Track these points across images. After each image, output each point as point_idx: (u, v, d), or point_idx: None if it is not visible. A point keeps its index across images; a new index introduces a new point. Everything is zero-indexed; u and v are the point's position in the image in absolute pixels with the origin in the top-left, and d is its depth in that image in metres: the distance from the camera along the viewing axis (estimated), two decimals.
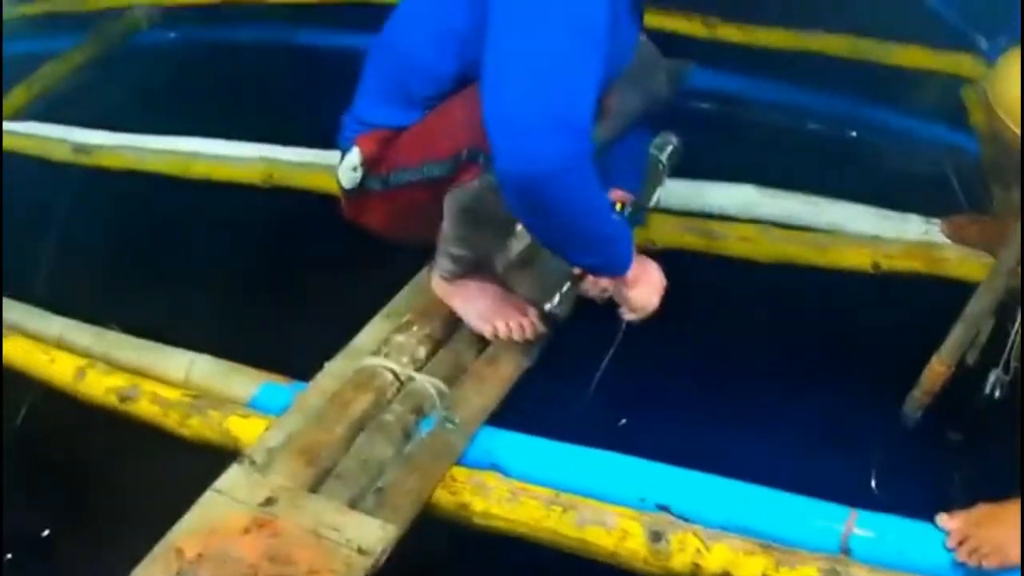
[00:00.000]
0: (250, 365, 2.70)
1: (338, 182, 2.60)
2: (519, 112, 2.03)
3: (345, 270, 3.21)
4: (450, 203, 2.42)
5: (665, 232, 3.17)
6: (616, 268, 2.38)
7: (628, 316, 2.53)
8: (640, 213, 2.98)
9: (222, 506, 2.06)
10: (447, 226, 2.49)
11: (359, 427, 2.34)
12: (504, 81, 2.07)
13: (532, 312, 2.66)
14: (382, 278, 2.92)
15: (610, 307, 2.62)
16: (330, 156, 2.76)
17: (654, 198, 3.11)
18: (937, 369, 2.67)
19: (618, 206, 2.75)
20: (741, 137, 4.03)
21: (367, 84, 2.59)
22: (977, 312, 2.61)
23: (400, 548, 2.11)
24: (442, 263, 2.61)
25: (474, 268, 2.63)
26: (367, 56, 2.61)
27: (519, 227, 2.64)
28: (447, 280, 2.64)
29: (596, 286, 2.70)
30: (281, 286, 3.31)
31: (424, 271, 2.81)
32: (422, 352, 2.59)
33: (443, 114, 2.42)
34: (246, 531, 1.98)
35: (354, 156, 2.51)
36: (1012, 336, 2.65)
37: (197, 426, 2.51)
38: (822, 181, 3.49)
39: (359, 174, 2.52)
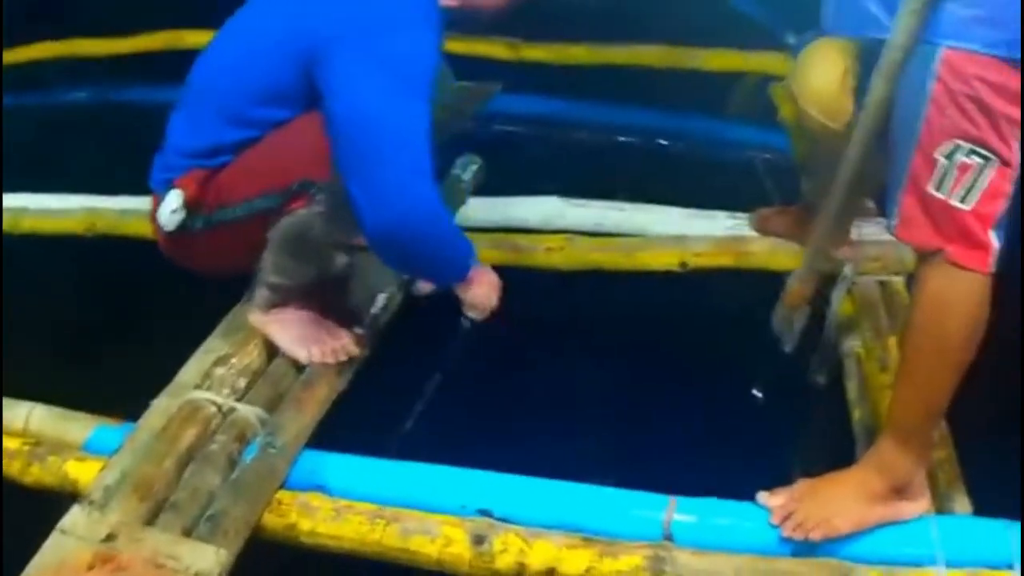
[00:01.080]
0: (85, 410, 2.76)
1: (156, 225, 2.67)
2: (377, 177, 2.36)
3: (169, 310, 3.31)
4: (276, 234, 2.58)
5: None
6: (461, 277, 2.67)
7: (472, 314, 2.78)
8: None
9: (67, 545, 2.14)
10: (269, 256, 2.63)
11: (188, 459, 2.43)
12: (354, 150, 2.38)
13: (345, 335, 2.80)
14: (204, 314, 2.99)
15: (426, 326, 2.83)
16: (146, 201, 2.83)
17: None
18: (794, 288, 2.82)
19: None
20: (548, 155, 4.20)
21: (179, 121, 2.70)
22: (818, 235, 2.72)
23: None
24: (260, 294, 2.74)
25: (290, 296, 2.75)
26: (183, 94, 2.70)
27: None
28: (263, 310, 2.77)
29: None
30: (110, 331, 3.40)
31: (240, 304, 2.91)
32: (242, 383, 2.71)
33: (270, 149, 2.56)
34: (90, 567, 2.07)
35: (174, 198, 2.59)
36: (828, 318, 2.89)
37: (38, 472, 2.58)
38: (632, 191, 3.65)
39: (180, 216, 2.59)
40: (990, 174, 2.04)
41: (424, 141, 2.39)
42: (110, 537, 2.16)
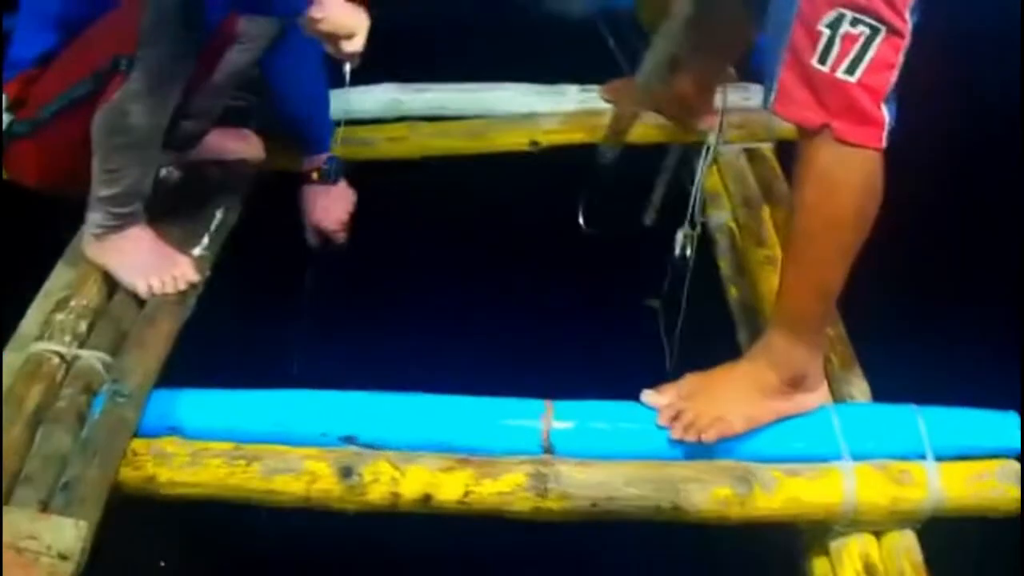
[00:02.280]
0: None
1: None
2: None
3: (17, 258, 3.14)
4: (95, 128, 2.54)
5: None
6: None
7: (344, 47, 2.46)
8: (338, 163, 3.15)
9: None
10: (96, 161, 2.59)
11: (37, 422, 2.37)
12: None
13: (184, 261, 2.78)
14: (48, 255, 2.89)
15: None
16: None
17: None
18: (623, 109, 2.89)
19: (315, 176, 3.06)
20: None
21: (14, 41, 2.66)
22: (655, 60, 2.79)
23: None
24: (93, 218, 2.70)
25: (125, 218, 2.71)
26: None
27: (165, 171, 2.82)
28: (98, 238, 2.73)
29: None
30: None
31: (74, 240, 2.86)
32: (83, 326, 2.64)
33: (82, 40, 2.55)
34: None
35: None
36: (694, 191, 2.79)
37: None
38: (474, 71, 3.57)
39: (5, 120, 2.60)
40: (878, 44, 1.99)
41: None
42: None
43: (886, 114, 2.05)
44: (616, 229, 3.02)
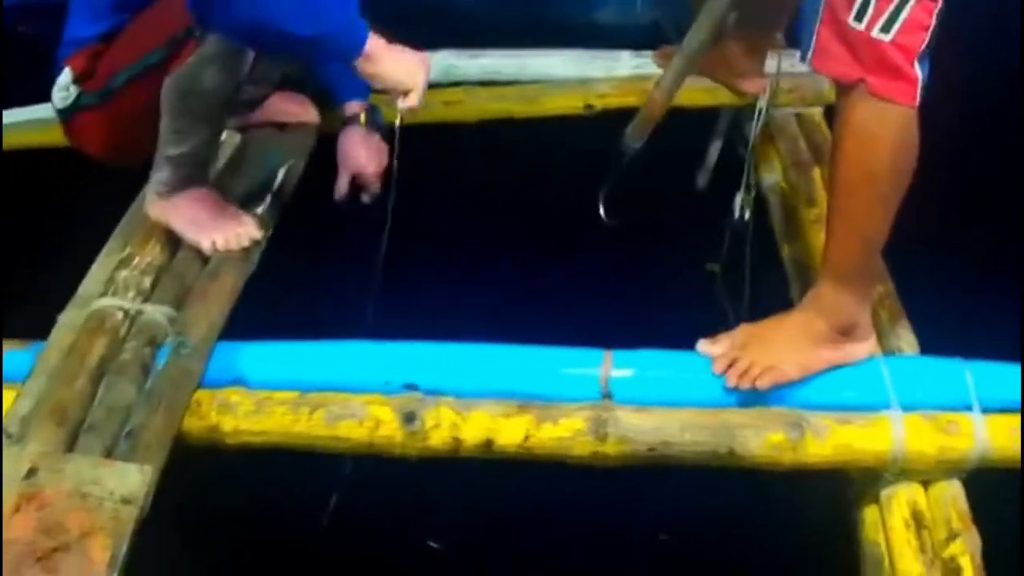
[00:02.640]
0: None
1: (55, 109, 2.69)
2: None
3: (78, 221, 3.20)
4: (166, 91, 2.54)
5: None
6: (350, 45, 2.35)
7: (400, 103, 2.47)
8: (379, 114, 3.14)
9: None
10: (164, 122, 2.60)
11: (101, 374, 2.40)
12: None
13: (247, 218, 2.81)
14: (112, 221, 2.94)
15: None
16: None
17: None
18: (656, 98, 2.82)
19: (362, 119, 3.01)
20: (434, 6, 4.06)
21: (72, 16, 2.68)
22: (694, 46, 2.77)
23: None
24: (158, 176, 2.72)
25: (190, 178, 2.73)
26: None
27: (227, 133, 2.85)
28: (163, 196, 2.75)
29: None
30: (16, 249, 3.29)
31: (137, 200, 2.90)
32: (147, 282, 2.67)
33: (153, 11, 2.56)
34: (17, 509, 2.05)
35: (65, 76, 2.63)
36: (748, 155, 2.84)
37: None
38: (528, 38, 3.59)
39: (72, 92, 2.63)
40: (912, 6, 2.00)
41: None
42: (31, 472, 2.12)
43: (919, 72, 2.06)
44: (639, 216, 3.01)
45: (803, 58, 2.18)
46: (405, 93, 2.45)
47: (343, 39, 2.35)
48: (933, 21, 2.03)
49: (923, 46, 2.05)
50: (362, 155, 3.09)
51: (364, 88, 3.12)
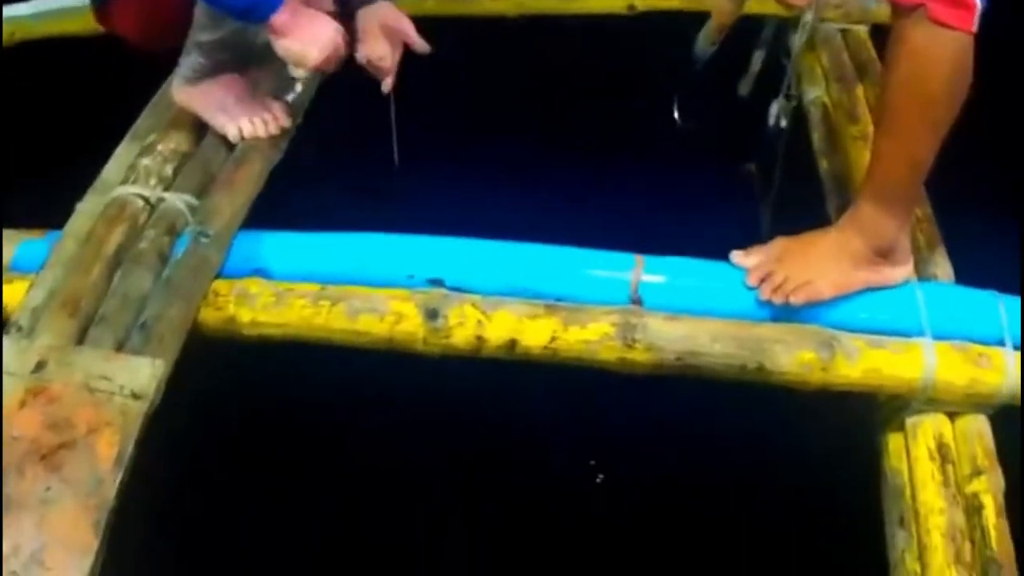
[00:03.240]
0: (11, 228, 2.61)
1: None
2: None
3: (101, 110, 3.14)
4: None
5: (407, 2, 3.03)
6: (258, 12, 2.39)
7: (293, 72, 2.57)
8: None
9: None
10: (199, 7, 2.52)
11: (117, 263, 2.36)
12: None
13: (276, 105, 2.74)
14: (136, 110, 2.87)
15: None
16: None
17: None
18: (725, 5, 2.74)
19: None
20: None
21: None
22: None
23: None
24: (188, 62, 2.64)
25: (220, 64, 2.67)
26: None
27: None
28: (190, 82, 2.68)
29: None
30: (35, 141, 3.26)
31: (164, 86, 2.83)
32: (169, 170, 2.61)
33: None
34: (23, 404, 2.04)
35: None
36: (790, 65, 2.77)
37: None
38: None
39: None
40: None
41: None
42: (40, 366, 2.08)
43: (979, 0, 2.01)
44: (710, 120, 2.94)
45: None
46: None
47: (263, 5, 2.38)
48: None
49: None
50: (397, 26, 2.92)
51: None
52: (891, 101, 2.17)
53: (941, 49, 2.04)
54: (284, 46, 2.45)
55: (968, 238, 2.48)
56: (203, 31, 2.56)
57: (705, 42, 2.79)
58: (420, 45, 2.75)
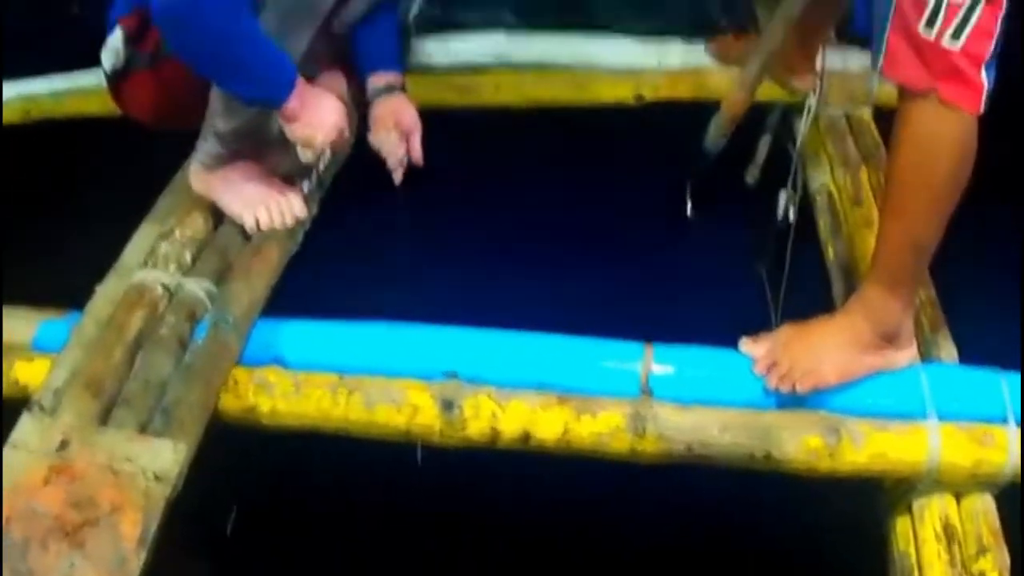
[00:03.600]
0: (30, 306, 2.65)
1: (104, 72, 2.64)
2: None
3: (118, 191, 3.18)
4: None
5: (419, 92, 3.09)
6: (272, 98, 2.45)
7: (303, 155, 2.58)
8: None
9: (20, 461, 2.08)
10: (214, 95, 2.54)
11: (137, 347, 2.36)
12: None
13: (292, 195, 2.74)
14: (154, 191, 2.88)
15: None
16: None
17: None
18: (739, 97, 2.80)
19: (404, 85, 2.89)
20: None
21: None
22: (774, 42, 2.76)
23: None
24: (204, 148, 2.67)
25: (236, 152, 2.69)
26: None
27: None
28: (207, 169, 2.70)
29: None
30: (59, 220, 3.32)
31: (181, 171, 2.84)
32: (188, 256, 2.62)
33: None
34: (46, 482, 2.03)
35: (116, 37, 2.56)
36: (795, 154, 2.83)
37: None
38: (579, 21, 3.51)
39: (124, 54, 2.57)
40: (979, 12, 1.99)
41: None
42: (63, 444, 2.10)
43: (986, 80, 2.04)
44: (719, 206, 3.00)
45: (873, 65, 2.15)
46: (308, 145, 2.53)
47: (266, 87, 2.44)
48: (999, 27, 2.01)
49: (990, 53, 2.03)
50: (406, 119, 2.96)
51: (396, 58, 3.04)
52: (897, 183, 2.19)
53: (948, 130, 2.07)
54: (292, 130, 2.50)
55: (970, 314, 2.51)
56: (219, 118, 2.58)
57: (716, 134, 2.84)
58: (416, 154, 2.81)
